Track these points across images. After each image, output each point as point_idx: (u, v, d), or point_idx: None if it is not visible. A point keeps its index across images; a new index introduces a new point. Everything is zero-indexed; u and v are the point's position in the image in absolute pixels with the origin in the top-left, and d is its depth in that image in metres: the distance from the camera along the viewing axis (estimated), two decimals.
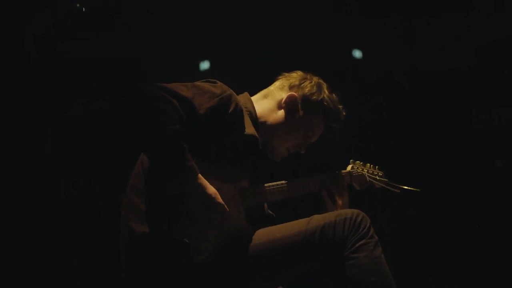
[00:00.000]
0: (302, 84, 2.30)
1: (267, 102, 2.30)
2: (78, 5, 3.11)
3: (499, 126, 3.59)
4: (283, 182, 2.23)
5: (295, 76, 2.34)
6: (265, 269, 2.00)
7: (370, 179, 2.40)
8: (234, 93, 2.13)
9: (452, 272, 3.40)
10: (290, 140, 2.29)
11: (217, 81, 2.11)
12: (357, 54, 3.76)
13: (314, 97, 2.29)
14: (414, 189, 2.36)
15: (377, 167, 2.46)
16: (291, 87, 2.30)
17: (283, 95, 2.29)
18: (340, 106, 2.34)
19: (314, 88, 2.30)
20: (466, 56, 3.56)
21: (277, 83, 2.35)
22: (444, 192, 3.52)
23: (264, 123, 2.25)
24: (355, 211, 2.01)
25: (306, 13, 3.53)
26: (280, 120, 2.26)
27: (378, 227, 2.03)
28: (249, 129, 2.12)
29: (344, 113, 2.35)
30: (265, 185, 2.20)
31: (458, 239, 3.48)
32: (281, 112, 2.27)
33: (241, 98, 2.23)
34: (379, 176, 2.43)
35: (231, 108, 2.05)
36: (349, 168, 2.42)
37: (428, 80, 3.65)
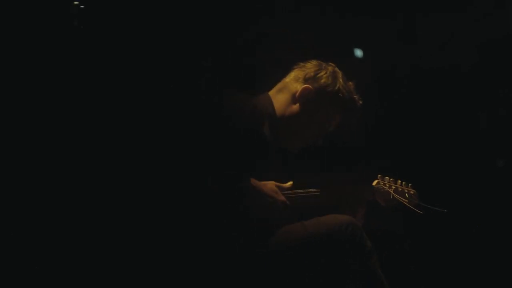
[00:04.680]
0: (317, 75, 2.30)
1: (282, 96, 2.30)
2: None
3: (500, 125, 3.56)
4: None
5: (310, 66, 2.34)
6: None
7: (397, 197, 2.29)
8: (254, 101, 2.16)
9: (452, 273, 3.39)
10: (306, 133, 2.30)
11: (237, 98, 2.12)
12: (358, 53, 3.73)
13: (330, 88, 2.28)
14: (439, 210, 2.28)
15: (410, 185, 2.37)
16: (306, 79, 2.30)
17: (298, 87, 2.29)
18: (355, 96, 2.33)
19: (330, 79, 2.30)
20: (467, 55, 3.53)
21: (292, 74, 2.36)
22: (444, 191, 3.49)
23: (281, 117, 2.26)
24: (348, 219, 2.00)
25: (305, 11, 3.50)
26: (295, 113, 2.28)
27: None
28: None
29: (360, 102, 2.34)
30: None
31: (459, 239, 3.46)
32: (296, 106, 2.28)
33: (262, 100, 2.26)
34: (409, 195, 2.34)
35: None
36: (374, 183, 2.33)
37: (428, 78, 3.63)
